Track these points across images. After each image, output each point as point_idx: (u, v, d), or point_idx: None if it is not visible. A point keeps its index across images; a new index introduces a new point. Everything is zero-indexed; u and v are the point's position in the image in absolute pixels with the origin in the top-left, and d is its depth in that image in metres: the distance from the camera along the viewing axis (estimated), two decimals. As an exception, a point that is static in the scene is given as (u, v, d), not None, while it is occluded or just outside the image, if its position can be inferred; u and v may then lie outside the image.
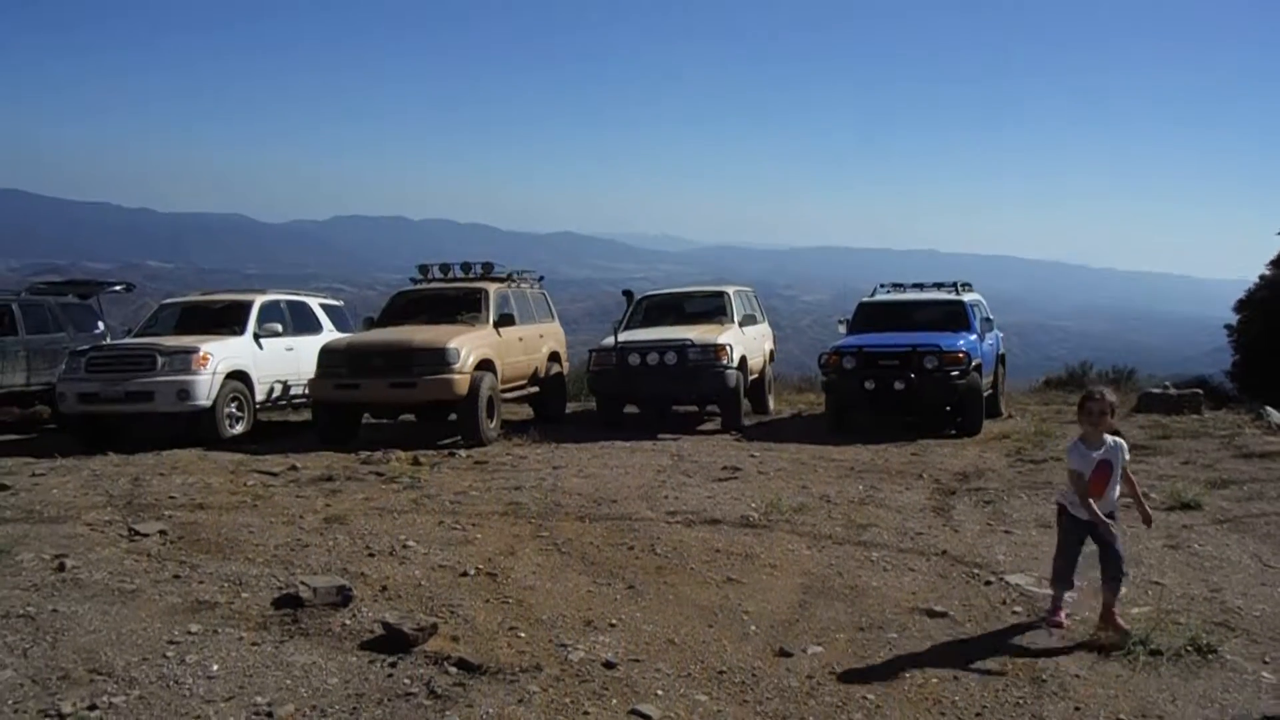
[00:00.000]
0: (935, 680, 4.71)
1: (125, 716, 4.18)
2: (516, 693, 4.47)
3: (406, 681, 4.57)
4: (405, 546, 6.89)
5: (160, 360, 12.42)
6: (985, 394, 13.86)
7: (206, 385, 12.48)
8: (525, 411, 15.52)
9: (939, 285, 15.86)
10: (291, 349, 14.23)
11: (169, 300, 15.48)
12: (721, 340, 13.71)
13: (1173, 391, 15.88)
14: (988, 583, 6.25)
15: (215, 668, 4.68)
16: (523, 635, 5.19)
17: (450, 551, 6.81)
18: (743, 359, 14.11)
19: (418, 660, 4.82)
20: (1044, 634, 5.32)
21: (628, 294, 15.87)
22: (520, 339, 14.11)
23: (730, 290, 15.92)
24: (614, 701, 4.43)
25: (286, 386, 14.21)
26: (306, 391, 13.70)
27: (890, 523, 7.88)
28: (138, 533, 7.23)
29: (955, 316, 14.37)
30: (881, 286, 16.39)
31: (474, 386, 12.27)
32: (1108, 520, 5.24)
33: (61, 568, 6.26)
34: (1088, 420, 5.30)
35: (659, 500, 8.60)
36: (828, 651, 5.07)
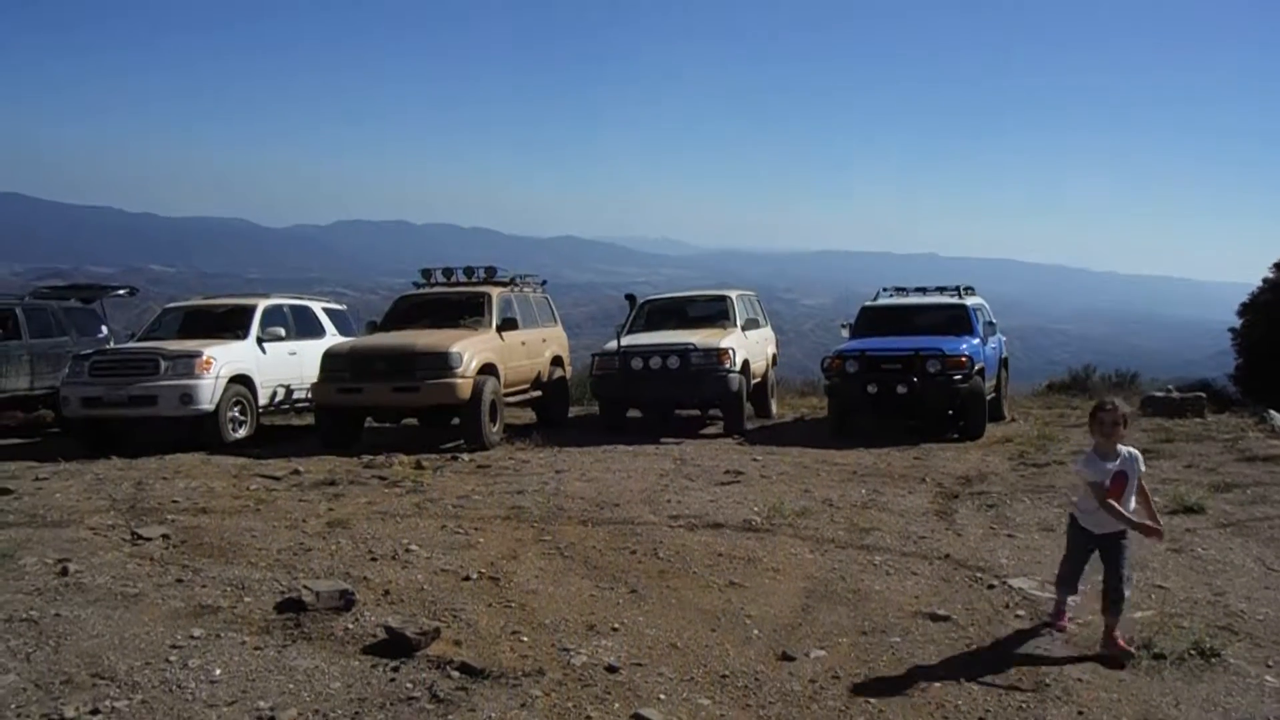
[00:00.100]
0: (938, 684, 4.71)
1: (128, 721, 4.19)
2: (519, 697, 4.47)
3: (409, 686, 4.57)
4: (408, 551, 6.89)
5: (163, 364, 12.43)
6: (988, 398, 13.85)
7: (209, 389, 12.49)
8: (528, 415, 15.53)
9: (941, 289, 15.85)
10: (294, 353, 14.24)
11: (172, 304, 15.50)
12: (724, 344, 13.71)
13: (1176, 395, 15.86)
14: (990, 586, 6.24)
15: (218, 672, 4.68)
16: (525, 639, 5.19)
17: (453, 556, 6.81)
18: (745, 363, 14.11)
19: (420, 664, 4.82)
20: (1047, 638, 5.32)
21: (630, 298, 15.88)
22: (523, 343, 14.12)
23: (733, 294, 15.92)
24: (616, 705, 4.43)
25: (289, 390, 14.22)
26: (309, 395, 13.72)
27: (893, 526, 7.88)
28: (140, 537, 7.24)
29: (958, 320, 14.36)
30: (884, 290, 16.38)
31: (477, 391, 12.28)
32: (1120, 532, 5.12)
33: (64, 572, 6.27)
34: (1100, 431, 5.16)
35: (661, 504, 8.60)
36: (830, 656, 5.07)
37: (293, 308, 15.06)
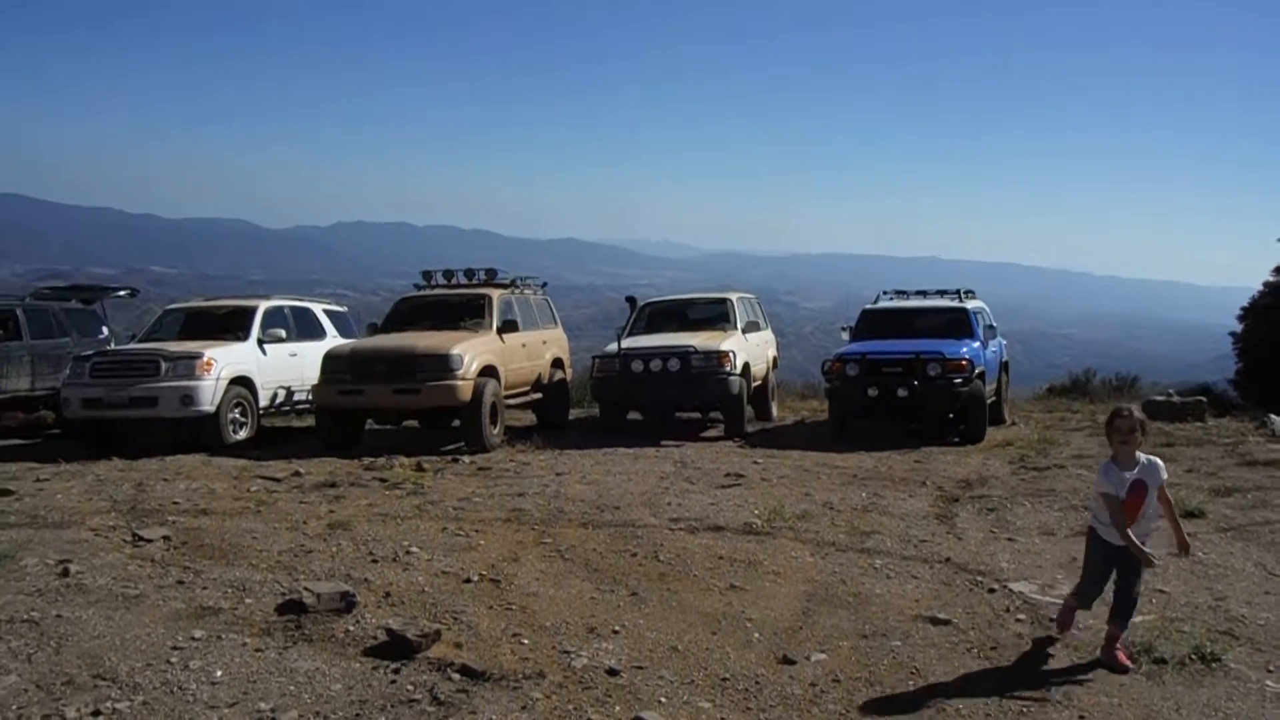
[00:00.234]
0: (939, 688, 4.71)
1: (129, 722, 4.19)
2: (519, 699, 4.47)
3: (410, 688, 4.58)
4: (408, 553, 6.89)
5: (164, 366, 12.43)
6: (989, 401, 13.85)
7: (210, 391, 12.50)
8: (528, 418, 15.53)
9: (942, 292, 15.85)
10: (295, 355, 14.25)
11: (173, 306, 15.50)
12: (724, 347, 13.71)
13: (1176, 399, 15.87)
14: (991, 590, 6.24)
15: (219, 674, 4.69)
16: (526, 642, 5.19)
17: (453, 558, 6.82)
18: (746, 366, 14.11)
19: (421, 667, 4.82)
20: (1048, 642, 5.32)
21: (631, 300, 15.88)
22: (523, 345, 14.13)
23: (733, 297, 15.92)
24: (617, 708, 4.43)
25: (290, 392, 14.22)
26: (310, 397, 13.73)
27: (893, 530, 7.88)
28: (141, 538, 7.24)
29: (959, 324, 14.37)
30: (885, 294, 16.38)
31: (477, 393, 12.29)
32: (1143, 547, 4.96)
33: (65, 573, 6.27)
34: (1118, 439, 5.02)
35: (662, 507, 8.60)
36: (831, 659, 5.07)
37: (293, 309, 15.07)
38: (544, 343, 15.05)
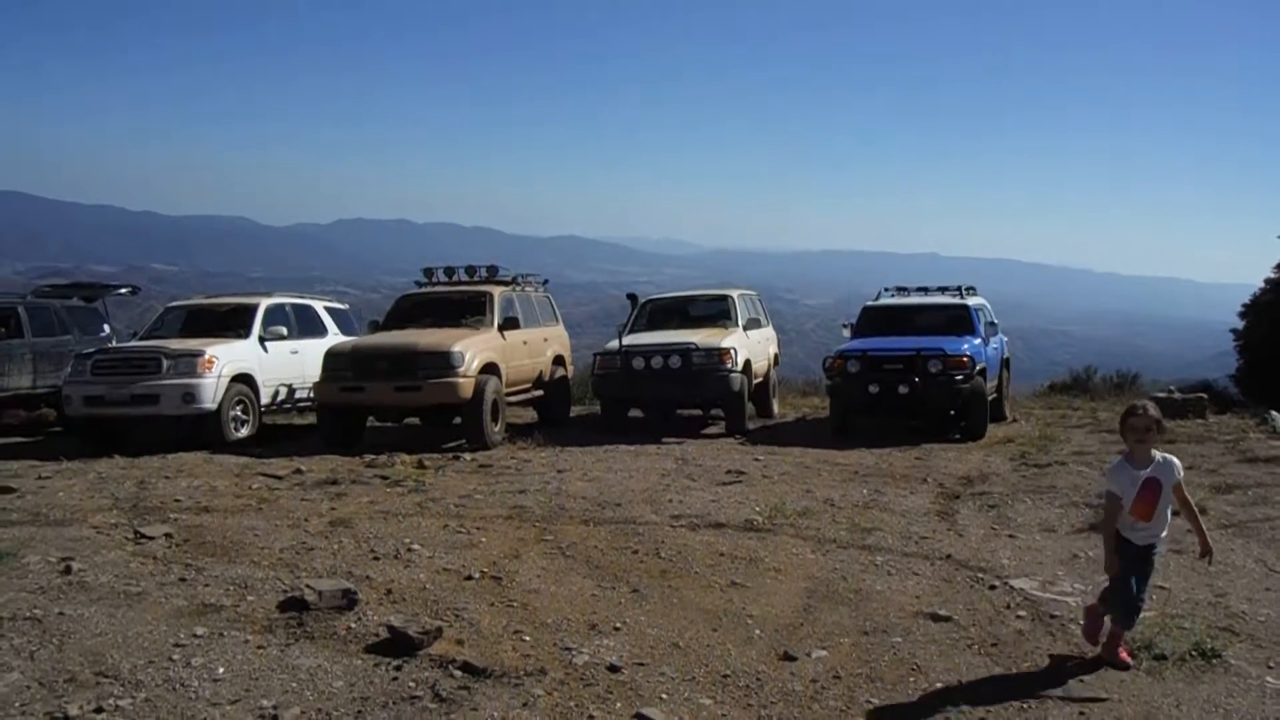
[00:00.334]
0: (940, 685, 4.72)
1: (131, 719, 4.19)
2: (521, 696, 4.48)
3: (411, 685, 4.59)
4: (410, 550, 6.90)
5: (165, 363, 12.44)
6: (990, 398, 13.85)
7: (212, 388, 12.51)
8: (530, 415, 15.54)
9: (943, 289, 15.85)
10: (296, 352, 14.26)
11: (174, 303, 15.51)
12: (725, 344, 13.72)
13: (1177, 396, 15.87)
14: (992, 587, 6.25)
15: (221, 671, 4.70)
16: (527, 639, 5.20)
17: (455, 555, 6.82)
18: (747, 363, 14.12)
19: (423, 663, 4.83)
20: (1048, 639, 5.32)
21: (632, 297, 15.88)
22: (525, 342, 14.13)
23: (734, 294, 15.92)
24: (618, 705, 4.44)
25: (291, 390, 14.24)
26: (311, 395, 13.74)
27: (894, 527, 7.88)
28: (143, 536, 7.25)
29: (960, 320, 14.37)
30: (886, 290, 16.38)
31: (478, 390, 12.29)
32: (1153, 544, 4.89)
33: (68, 570, 6.28)
34: (1133, 436, 4.88)
35: (663, 504, 8.60)
36: (832, 656, 5.08)
37: (295, 307, 15.08)
38: (545, 340, 15.05)
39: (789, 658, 5.03)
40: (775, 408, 16.56)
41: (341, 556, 6.76)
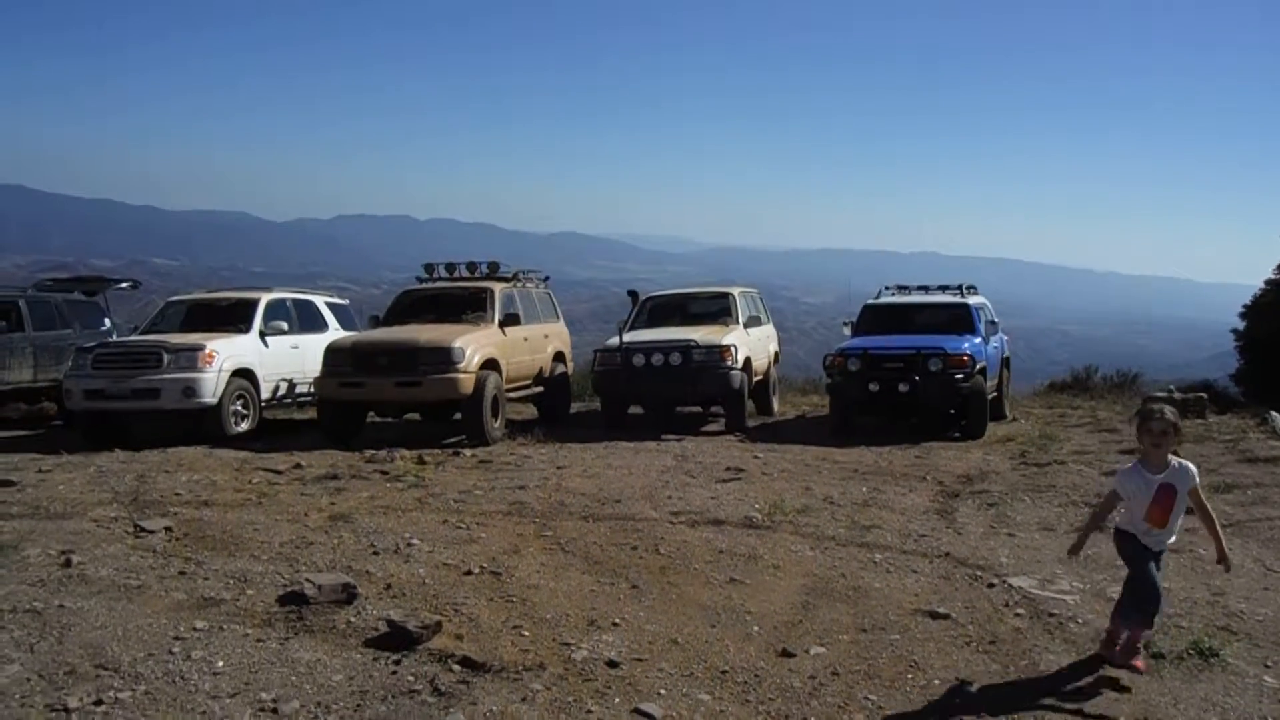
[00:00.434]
0: (937, 682, 4.73)
1: (131, 712, 4.21)
2: (520, 691, 4.49)
3: (410, 679, 4.60)
4: (410, 545, 6.91)
5: (166, 357, 12.46)
6: (990, 397, 13.86)
7: (212, 383, 12.52)
8: (530, 411, 15.55)
9: (944, 288, 15.86)
10: (297, 347, 14.28)
11: (175, 298, 15.53)
12: (726, 341, 13.72)
13: (1177, 395, 15.87)
14: (990, 585, 6.26)
15: (221, 664, 4.71)
16: (526, 634, 5.21)
17: (454, 550, 6.83)
18: (747, 360, 14.12)
19: (422, 658, 4.84)
20: (1046, 637, 5.33)
21: (633, 294, 15.89)
22: (525, 339, 14.14)
23: (735, 291, 15.92)
24: (617, 700, 4.45)
25: (292, 384, 14.26)
26: (312, 390, 13.75)
27: (893, 525, 7.89)
28: (143, 529, 7.26)
29: (960, 319, 14.37)
30: (886, 289, 16.39)
31: (479, 386, 12.30)
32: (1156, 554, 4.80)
33: (68, 563, 6.28)
34: (1149, 440, 4.77)
35: (662, 500, 8.61)
36: (830, 652, 5.09)
37: (295, 302, 15.09)
38: (545, 336, 15.06)
39: (787, 654, 5.04)
40: (775, 405, 16.57)
41: (341, 551, 6.77)
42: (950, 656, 5.05)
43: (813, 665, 4.91)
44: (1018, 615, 5.68)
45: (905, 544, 7.29)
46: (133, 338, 13.96)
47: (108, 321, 16.48)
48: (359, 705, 4.33)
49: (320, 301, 15.92)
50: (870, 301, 15.64)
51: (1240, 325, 22.11)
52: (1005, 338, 16.29)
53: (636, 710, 4.34)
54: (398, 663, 4.78)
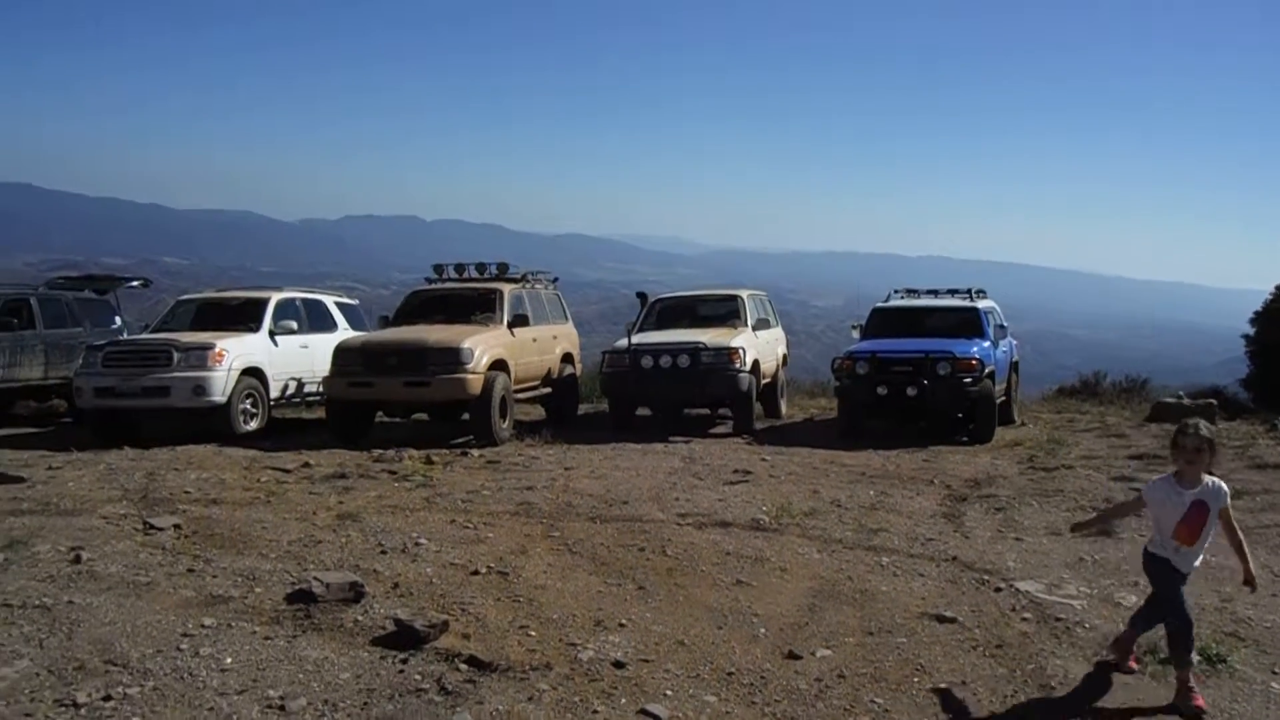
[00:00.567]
0: (944, 685, 4.73)
1: (140, 708, 4.23)
2: (526, 690, 4.50)
3: (417, 677, 4.61)
4: (417, 544, 6.93)
5: (176, 356, 12.50)
6: (998, 401, 13.83)
7: (222, 381, 12.56)
8: (538, 412, 15.56)
9: (953, 291, 15.83)
10: (306, 347, 14.31)
11: (185, 296, 15.58)
12: (734, 344, 13.72)
13: (1187, 401, 15.83)
14: (998, 589, 6.25)
15: (229, 661, 4.73)
16: (533, 634, 5.22)
17: (462, 550, 6.85)
18: (755, 363, 14.12)
19: (429, 657, 4.85)
20: (1054, 642, 5.32)
21: (641, 296, 15.89)
22: (534, 340, 14.16)
23: (744, 294, 15.92)
24: (623, 701, 4.46)
25: (301, 384, 14.29)
26: (320, 389, 13.78)
27: (901, 528, 7.89)
28: (153, 526, 7.30)
29: (969, 323, 14.34)
30: (895, 292, 16.36)
31: (487, 386, 12.32)
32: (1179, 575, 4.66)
33: (77, 560, 6.32)
34: (1182, 457, 4.62)
35: (670, 502, 8.62)
36: (836, 655, 5.09)
37: (305, 301, 15.13)
38: (554, 337, 15.07)
39: (794, 656, 5.04)
40: (783, 408, 16.56)
41: (349, 550, 6.80)
42: (957, 660, 5.04)
43: (819, 668, 4.91)
44: (1025, 620, 5.67)
45: (912, 547, 7.29)
46: (143, 336, 14.01)
47: (118, 320, 16.55)
48: (366, 703, 4.34)
49: (329, 301, 15.96)
50: (879, 305, 15.62)
51: (1250, 331, 22.02)
52: (1014, 342, 16.26)
53: (643, 711, 4.35)
54: (405, 661, 4.79)
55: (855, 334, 14.96)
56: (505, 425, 12.71)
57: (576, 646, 5.04)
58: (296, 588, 5.79)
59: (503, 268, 15.02)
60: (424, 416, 14.02)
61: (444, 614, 5.40)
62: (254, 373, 13.19)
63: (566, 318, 16.12)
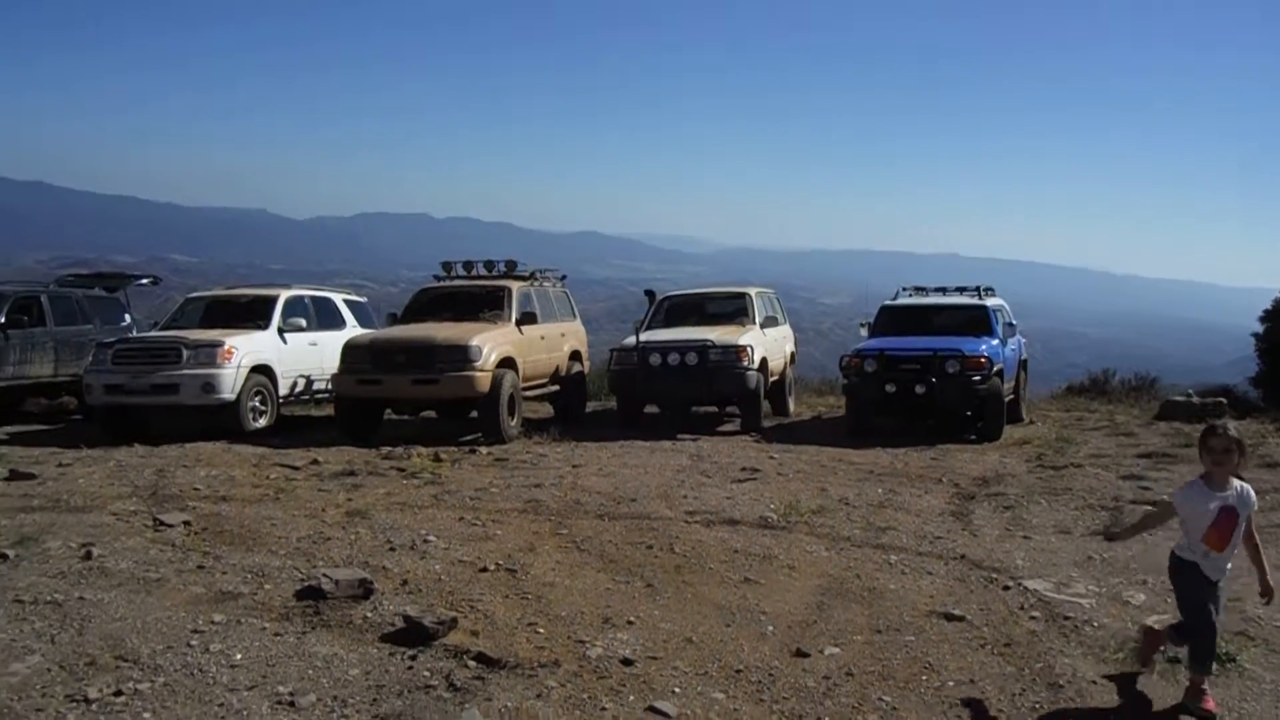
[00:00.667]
0: (952, 683, 4.73)
1: (150, 703, 4.24)
2: (535, 687, 4.51)
3: (426, 674, 4.62)
4: (426, 541, 6.94)
5: (185, 353, 12.55)
6: (1007, 399, 13.81)
7: (231, 379, 12.61)
8: (546, 410, 15.58)
9: (961, 289, 15.81)
10: (315, 344, 14.35)
11: (195, 294, 15.63)
12: (742, 341, 13.72)
13: (1196, 400, 15.78)
14: (1006, 588, 6.24)
15: (238, 657, 4.74)
16: (541, 631, 5.23)
17: (470, 547, 6.87)
18: (763, 360, 14.12)
19: (437, 653, 4.87)
20: (1062, 640, 5.32)
21: (649, 294, 15.90)
22: (542, 337, 14.17)
23: (752, 291, 15.92)
24: (631, 698, 4.47)
25: (309, 381, 14.33)
26: (329, 386, 13.81)
27: (909, 526, 7.88)
28: (162, 523, 7.32)
29: (978, 321, 14.32)
30: (904, 290, 16.35)
31: (495, 384, 12.33)
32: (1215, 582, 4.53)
33: (88, 556, 6.35)
34: (1210, 459, 4.51)
35: (678, 500, 8.63)
36: (845, 653, 5.09)
37: (314, 299, 15.18)
38: (562, 335, 15.09)
39: (802, 654, 5.04)
40: (791, 406, 16.56)
41: (358, 547, 6.82)
42: (965, 659, 5.04)
43: (827, 665, 4.92)
44: (1033, 618, 5.66)
45: (920, 545, 7.28)
46: (152, 334, 14.06)
47: (128, 317, 16.60)
48: (375, 699, 4.35)
49: (338, 299, 16.00)
50: (887, 303, 15.60)
51: (1260, 329, 21.93)
52: (1023, 340, 16.23)
53: (651, 708, 4.35)
54: (414, 658, 4.81)
55: (863, 332, 14.95)
56: (513, 423, 12.72)
57: (585, 644, 5.05)
58: (306, 584, 5.81)
59: (511, 265, 15.04)
60: (432, 414, 14.05)
61: (453, 611, 5.41)
62: (263, 370, 13.23)
63: (574, 315, 16.14)
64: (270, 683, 4.48)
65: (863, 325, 15.26)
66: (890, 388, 13.12)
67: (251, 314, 14.05)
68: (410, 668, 4.70)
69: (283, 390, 13.68)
